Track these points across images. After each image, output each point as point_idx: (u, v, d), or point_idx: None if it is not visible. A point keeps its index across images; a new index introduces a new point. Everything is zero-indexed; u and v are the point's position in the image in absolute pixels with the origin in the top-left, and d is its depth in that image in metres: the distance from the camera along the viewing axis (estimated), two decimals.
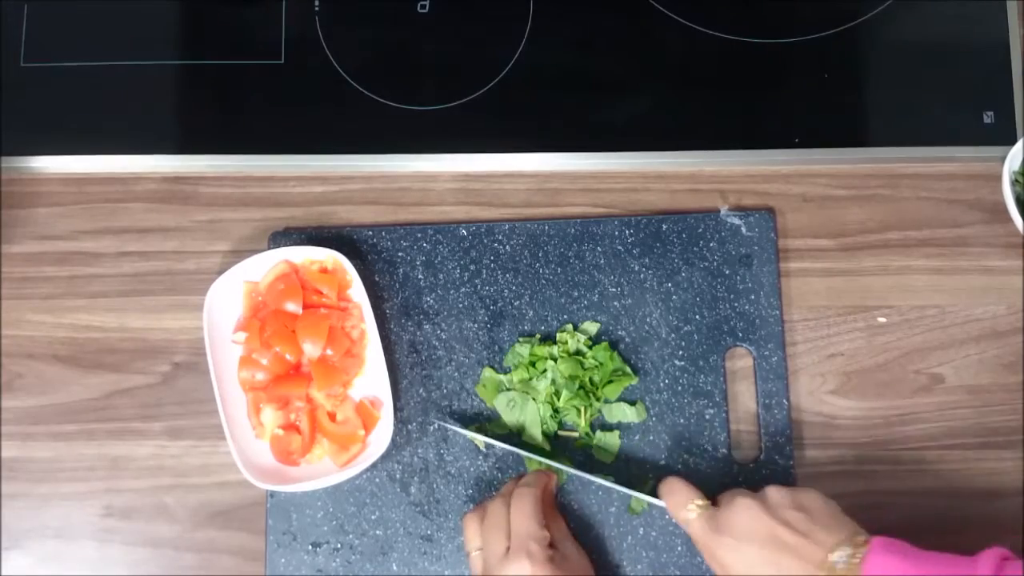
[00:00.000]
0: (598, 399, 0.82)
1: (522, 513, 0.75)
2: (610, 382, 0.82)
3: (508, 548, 0.73)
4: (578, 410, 0.82)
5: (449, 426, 0.82)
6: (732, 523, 0.72)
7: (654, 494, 0.79)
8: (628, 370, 0.83)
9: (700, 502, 0.75)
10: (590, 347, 0.83)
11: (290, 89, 0.91)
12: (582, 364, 0.82)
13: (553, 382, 0.82)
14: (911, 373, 0.84)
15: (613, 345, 0.83)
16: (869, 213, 0.87)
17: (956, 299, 0.85)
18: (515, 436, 0.83)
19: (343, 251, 0.83)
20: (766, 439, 0.82)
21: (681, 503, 0.76)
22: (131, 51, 0.91)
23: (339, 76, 0.91)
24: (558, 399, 0.82)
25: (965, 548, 0.81)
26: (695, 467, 0.82)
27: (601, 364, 0.82)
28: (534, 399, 0.82)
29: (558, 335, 0.84)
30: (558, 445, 0.82)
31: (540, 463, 0.81)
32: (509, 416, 0.82)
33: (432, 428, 0.83)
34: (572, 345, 0.83)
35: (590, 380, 0.82)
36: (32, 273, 0.88)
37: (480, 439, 0.82)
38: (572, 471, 0.81)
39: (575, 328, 0.84)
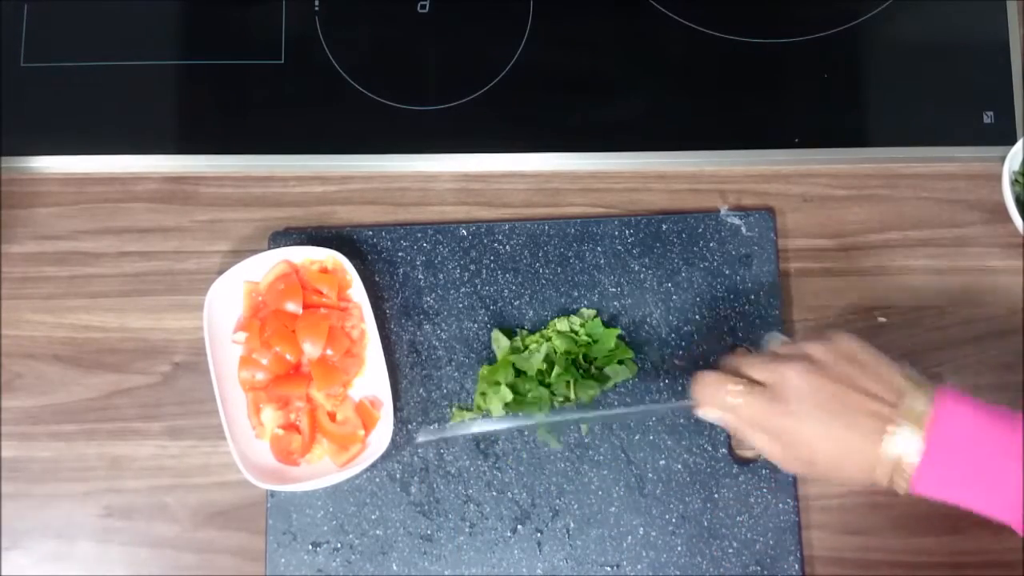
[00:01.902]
0: (594, 378, 0.82)
1: None
2: (607, 357, 0.82)
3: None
4: (568, 383, 0.81)
5: (436, 435, 0.81)
6: (790, 392, 0.68)
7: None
8: (623, 345, 0.83)
9: (738, 385, 0.70)
10: (583, 327, 0.83)
11: (290, 89, 0.91)
12: (575, 341, 0.82)
13: (546, 357, 0.82)
14: None
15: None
16: (869, 213, 0.87)
17: (956, 299, 0.85)
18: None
19: (343, 251, 0.83)
20: None
21: (719, 391, 0.70)
22: (131, 51, 0.91)
23: (339, 76, 0.91)
24: (549, 375, 0.81)
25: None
26: (695, 467, 0.82)
27: (596, 341, 0.82)
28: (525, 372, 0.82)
29: (550, 322, 0.84)
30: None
31: (546, 425, 0.79)
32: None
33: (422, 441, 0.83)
34: (564, 326, 0.83)
35: (584, 357, 0.82)
36: (32, 273, 0.88)
37: (475, 426, 0.79)
38: (588, 415, 0.79)
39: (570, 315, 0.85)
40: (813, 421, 0.67)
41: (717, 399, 0.71)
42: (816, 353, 0.69)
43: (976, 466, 0.64)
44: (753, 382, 0.70)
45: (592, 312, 0.84)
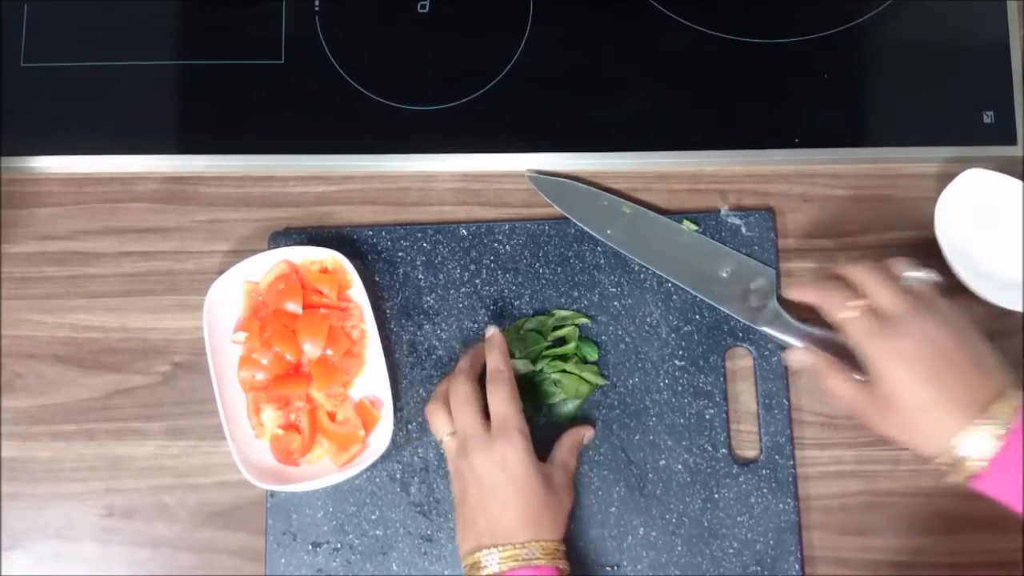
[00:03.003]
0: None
1: (499, 397, 0.76)
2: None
3: (486, 427, 0.75)
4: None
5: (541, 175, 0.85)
6: (910, 333, 0.69)
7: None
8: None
9: (858, 301, 0.72)
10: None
11: (290, 89, 0.91)
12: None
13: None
14: None
15: (605, 344, 0.84)
16: (869, 213, 0.87)
17: (956, 299, 0.84)
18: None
19: (343, 251, 0.83)
20: (766, 439, 0.82)
21: (837, 300, 0.73)
22: (131, 51, 0.91)
23: (339, 76, 0.91)
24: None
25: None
26: (695, 467, 0.82)
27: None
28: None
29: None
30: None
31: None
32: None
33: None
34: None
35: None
36: (32, 273, 0.88)
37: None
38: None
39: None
40: (913, 371, 0.69)
41: (834, 306, 0.73)
42: (952, 317, 0.70)
43: None
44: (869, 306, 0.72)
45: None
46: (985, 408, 0.67)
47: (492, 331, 0.81)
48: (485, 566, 0.72)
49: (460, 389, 0.77)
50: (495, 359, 0.78)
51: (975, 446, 0.66)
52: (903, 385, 0.69)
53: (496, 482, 0.73)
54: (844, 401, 0.74)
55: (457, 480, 0.76)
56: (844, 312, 0.72)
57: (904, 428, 0.70)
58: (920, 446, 0.69)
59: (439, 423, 0.78)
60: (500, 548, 0.72)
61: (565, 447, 0.80)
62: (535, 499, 0.73)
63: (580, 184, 0.87)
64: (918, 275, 0.74)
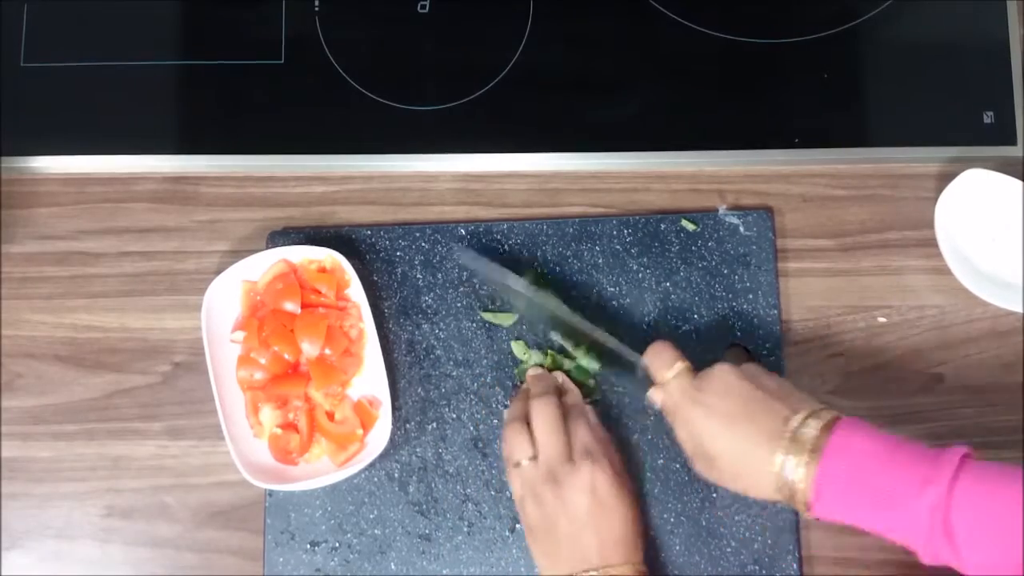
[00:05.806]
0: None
1: (585, 427, 0.77)
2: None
3: (570, 453, 0.75)
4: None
5: (472, 262, 0.84)
6: (711, 382, 0.73)
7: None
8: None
9: (683, 364, 0.75)
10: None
11: (290, 89, 0.91)
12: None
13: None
14: (911, 373, 0.84)
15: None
16: (869, 213, 0.87)
17: (956, 299, 0.85)
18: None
19: (342, 251, 0.83)
20: None
21: (666, 363, 0.76)
22: (131, 51, 0.91)
23: (339, 76, 0.91)
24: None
25: None
26: None
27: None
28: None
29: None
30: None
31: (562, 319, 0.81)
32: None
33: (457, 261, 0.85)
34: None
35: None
36: (32, 273, 0.88)
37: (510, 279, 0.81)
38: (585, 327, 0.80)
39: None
40: (720, 416, 0.71)
41: (661, 368, 0.76)
42: (749, 366, 0.75)
43: (871, 496, 0.66)
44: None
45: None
46: (794, 432, 0.68)
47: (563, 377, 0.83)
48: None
49: (547, 411, 0.77)
50: (574, 395, 0.81)
51: (795, 472, 0.67)
52: (716, 438, 0.71)
53: (587, 508, 0.74)
54: (685, 451, 0.75)
55: (536, 505, 0.75)
56: (668, 372, 0.75)
57: (733, 478, 0.72)
58: (754, 491, 0.71)
59: (520, 445, 0.77)
60: (596, 570, 0.72)
61: (613, 451, 0.79)
62: (625, 522, 0.75)
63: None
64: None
